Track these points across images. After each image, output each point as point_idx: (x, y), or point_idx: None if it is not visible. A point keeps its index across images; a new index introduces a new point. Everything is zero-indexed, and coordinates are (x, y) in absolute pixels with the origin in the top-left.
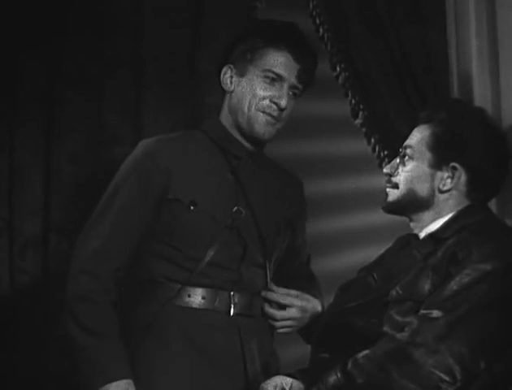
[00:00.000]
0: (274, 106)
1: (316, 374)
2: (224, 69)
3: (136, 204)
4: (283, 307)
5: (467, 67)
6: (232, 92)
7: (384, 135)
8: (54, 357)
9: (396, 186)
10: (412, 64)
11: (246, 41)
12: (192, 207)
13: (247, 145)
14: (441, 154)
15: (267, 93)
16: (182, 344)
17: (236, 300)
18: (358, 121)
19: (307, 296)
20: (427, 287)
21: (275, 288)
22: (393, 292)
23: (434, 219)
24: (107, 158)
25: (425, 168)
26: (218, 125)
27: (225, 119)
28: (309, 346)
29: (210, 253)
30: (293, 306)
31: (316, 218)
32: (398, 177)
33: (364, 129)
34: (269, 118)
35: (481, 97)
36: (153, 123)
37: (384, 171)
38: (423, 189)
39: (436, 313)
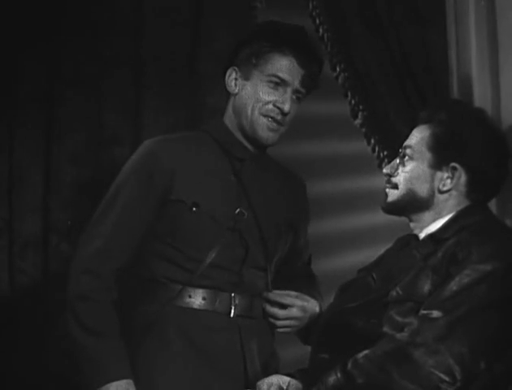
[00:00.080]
0: (277, 111)
1: (316, 374)
2: (229, 71)
3: (138, 204)
4: (284, 307)
5: (467, 67)
6: (236, 94)
7: (384, 135)
8: (54, 357)
9: (395, 186)
10: (412, 64)
11: (251, 45)
12: (194, 208)
13: (250, 147)
14: (441, 155)
15: (271, 98)
16: (182, 345)
17: (236, 301)
18: (358, 121)
19: (306, 296)
20: (426, 287)
21: (276, 292)
22: (393, 293)
23: (434, 220)
24: (107, 158)
25: (425, 168)
26: (221, 127)
27: (229, 120)
28: (309, 346)
29: (212, 255)
30: (294, 306)
31: (316, 219)
32: (398, 177)
33: (364, 129)
34: (272, 122)
35: (481, 97)
36: (153, 123)
37: (384, 171)
38: (422, 190)
39: (435, 313)
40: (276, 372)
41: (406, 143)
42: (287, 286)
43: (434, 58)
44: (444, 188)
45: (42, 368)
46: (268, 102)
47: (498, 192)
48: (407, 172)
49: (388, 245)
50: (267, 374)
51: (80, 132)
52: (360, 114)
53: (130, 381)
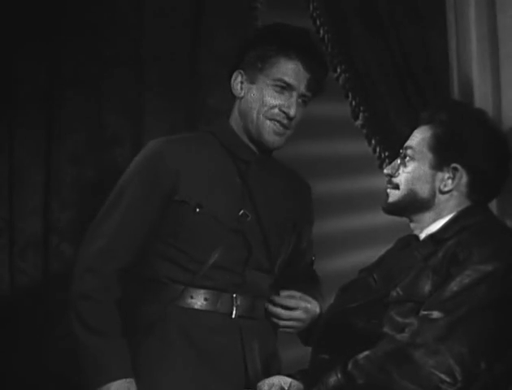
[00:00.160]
0: (283, 115)
1: (316, 374)
2: (235, 75)
3: (142, 204)
4: (287, 308)
5: (467, 67)
6: (242, 98)
7: (385, 136)
8: (54, 357)
9: (396, 187)
10: (412, 64)
11: (257, 48)
12: (197, 209)
13: (256, 149)
14: (442, 155)
15: (277, 102)
16: (183, 345)
17: (238, 302)
18: (359, 122)
19: (308, 297)
20: (427, 288)
21: (282, 293)
22: (394, 293)
23: (434, 220)
24: (107, 158)
25: (426, 169)
26: (227, 129)
27: (235, 123)
28: (309, 347)
29: (215, 256)
30: (299, 308)
31: (317, 219)
32: (399, 178)
33: (365, 130)
34: (278, 126)
35: (481, 97)
36: (153, 123)
37: (385, 171)
38: (423, 190)
39: (436, 314)
40: (278, 373)
41: (407, 143)
42: (289, 287)
43: (434, 58)
44: (445, 189)
45: (42, 368)
46: (274, 106)
47: (499, 192)
48: (408, 173)
49: (389, 246)
50: (269, 374)
51: (80, 132)
52: (361, 115)
53: (131, 380)
